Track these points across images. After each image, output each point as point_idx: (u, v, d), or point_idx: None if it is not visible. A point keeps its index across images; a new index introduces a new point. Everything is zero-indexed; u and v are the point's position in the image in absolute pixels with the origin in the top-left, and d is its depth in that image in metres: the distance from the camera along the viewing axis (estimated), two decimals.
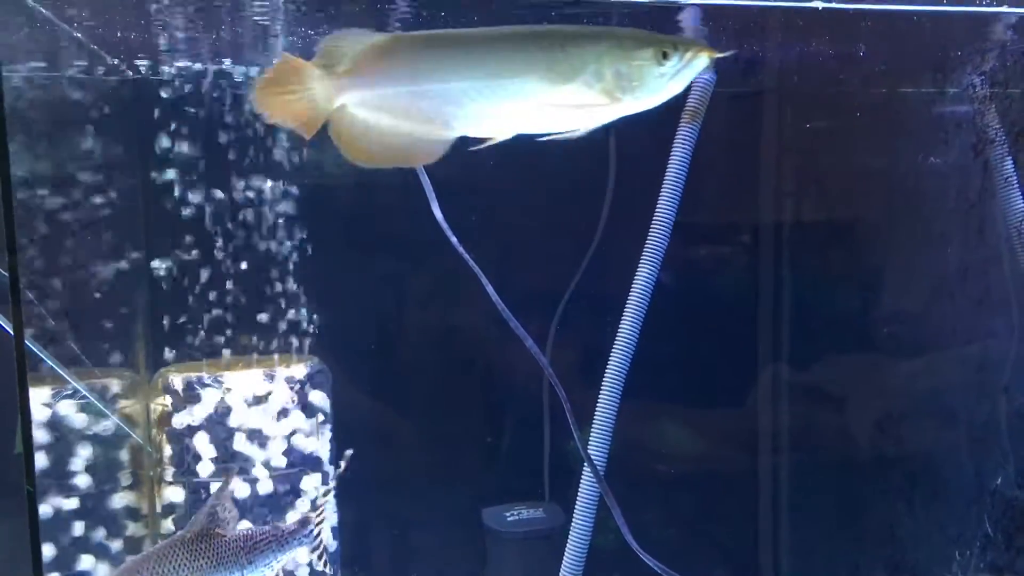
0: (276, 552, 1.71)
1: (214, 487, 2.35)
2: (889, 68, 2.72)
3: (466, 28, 1.57)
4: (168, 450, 2.42)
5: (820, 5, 1.97)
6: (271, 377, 2.48)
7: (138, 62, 2.49)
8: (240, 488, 2.41)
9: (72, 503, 2.33)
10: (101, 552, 2.37)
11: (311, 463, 2.52)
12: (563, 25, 1.51)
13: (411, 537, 2.92)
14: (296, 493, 2.50)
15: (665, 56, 1.46)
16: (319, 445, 2.53)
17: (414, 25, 2.14)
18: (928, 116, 2.92)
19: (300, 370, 2.53)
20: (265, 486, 2.46)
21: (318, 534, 1.81)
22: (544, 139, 1.55)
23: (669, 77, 1.48)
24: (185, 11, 2.02)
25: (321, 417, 2.53)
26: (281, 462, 2.48)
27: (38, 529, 1.46)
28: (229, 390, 2.44)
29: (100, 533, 2.37)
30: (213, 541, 1.64)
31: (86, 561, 2.35)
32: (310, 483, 2.51)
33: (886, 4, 2.02)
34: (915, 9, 2.06)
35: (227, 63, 2.51)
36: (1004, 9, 2.06)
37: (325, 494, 1.97)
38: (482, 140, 1.55)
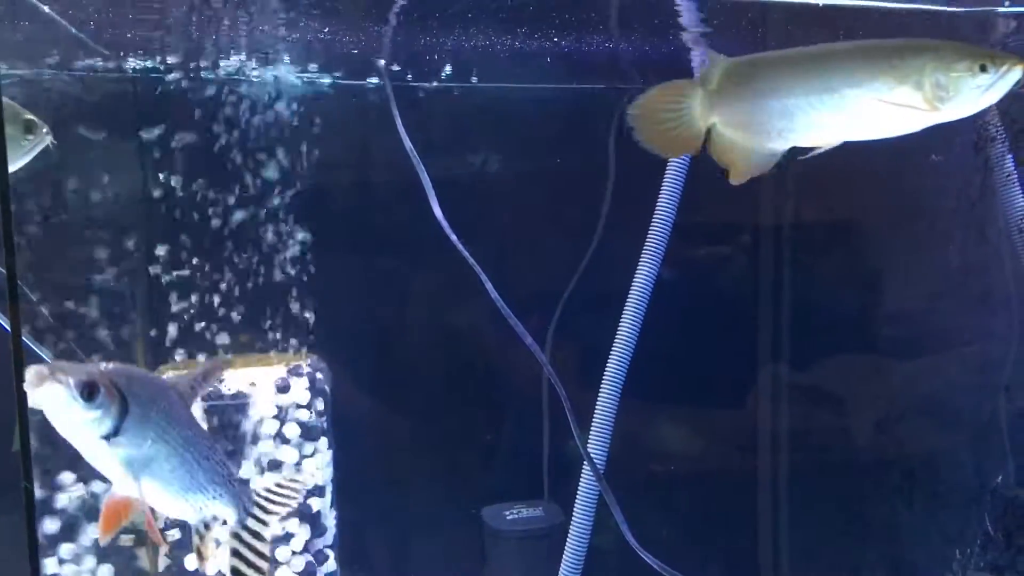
0: (217, 483, 1.51)
1: None
2: None
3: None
4: None
5: (820, 1, 1.97)
6: (271, 375, 2.48)
7: (137, 59, 2.49)
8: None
9: (66, 499, 2.32)
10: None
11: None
12: (885, 39, 1.59)
13: (410, 535, 2.92)
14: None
15: (983, 69, 1.53)
16: (318, 443, 2.52)
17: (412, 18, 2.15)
18: None
19: (300, 368, 2.52)
20: (262, 482, 2.45)
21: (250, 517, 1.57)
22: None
23: (984, 89, 1.54)
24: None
25: (321, 413, 2.53)
26: (280, 457, 2.48)
27: (35, 527, 1.45)
28: (229, 388, 2.43)
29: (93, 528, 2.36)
30: (188, 412, 1.51)
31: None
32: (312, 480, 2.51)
33: (885, 1, 2.02)
34: (914, 7, 2.06)
35: (228, 61, 2.51)
36: (1003, 8, 2.06)
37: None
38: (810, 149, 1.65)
